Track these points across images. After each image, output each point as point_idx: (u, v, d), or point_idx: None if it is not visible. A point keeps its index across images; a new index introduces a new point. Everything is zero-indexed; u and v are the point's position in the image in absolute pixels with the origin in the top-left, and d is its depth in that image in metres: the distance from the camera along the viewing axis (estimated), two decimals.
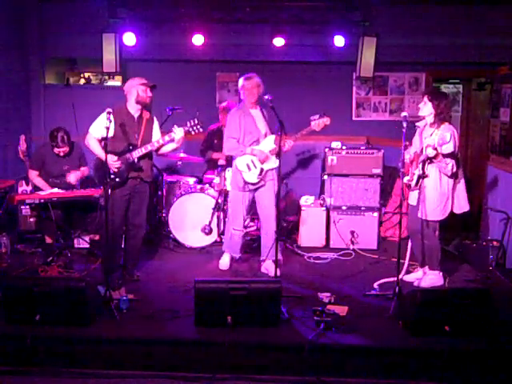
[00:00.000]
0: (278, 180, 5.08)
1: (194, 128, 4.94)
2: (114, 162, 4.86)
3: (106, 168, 4.79)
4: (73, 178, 5.93)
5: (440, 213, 4.99)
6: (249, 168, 5.39)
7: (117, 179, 4.95)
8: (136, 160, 4.95)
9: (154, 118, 5.21)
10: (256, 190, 5.46)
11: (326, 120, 5.45)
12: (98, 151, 4.96)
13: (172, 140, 4.95)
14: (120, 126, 4.92)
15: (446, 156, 4.78)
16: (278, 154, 5.13)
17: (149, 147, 4.96)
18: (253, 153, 5.36)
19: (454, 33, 7.17)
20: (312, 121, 5.45)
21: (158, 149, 5.12)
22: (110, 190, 4.86)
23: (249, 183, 5.40)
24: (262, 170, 5.38)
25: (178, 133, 4.90)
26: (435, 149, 4.67)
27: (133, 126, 5.00)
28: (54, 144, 5.89)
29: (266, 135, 5.44)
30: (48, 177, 5.99)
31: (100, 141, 4.93)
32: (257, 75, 5.40)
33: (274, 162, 5.36)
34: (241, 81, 5.40)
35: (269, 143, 5.39)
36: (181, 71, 7.74)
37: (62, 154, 5.92)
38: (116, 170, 4.92)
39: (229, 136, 5.44)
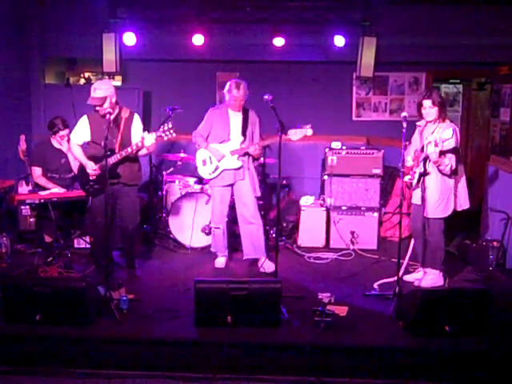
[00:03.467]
0: (254, 181, 5.51)
1: (167, 133, 4.75)
2: (92, 171, 4.91)
3: (86, 174, 4.93)
4: (65, 146, 5.90)
5: (442, 210, 4.98)
6: (204, 163, 5.56)
7: (95, 186, 4.98)
8: (111, 166, 4.84)
9: (135, 116, 5.04)
10: (231, 187, 5.53)
11: (306, 131, 5.20)
12: (80, 157, 5.04)
13: (142, 146, 4.81)
14: (96, 131, 4.87)
15: (447, 152, 4.78)
16: (255, 159, 5.52)
17: (123, 153, 4.85)
18: (208, 149, 5.48)
19: (454, 33, 7.16)
20: (291, 129, 5.21)
21: (137, 151, 4.95)
22: (90, 197, 5.09)
23: (202, 177, 5.66)
24: (217, 167, 5.48)
25: (149, 139, 4.74)
26: (436, 145, 4.66)
27: (109, 129, 4.81)
28: (55, 130, 5.91)
29: (242, 136, 5.47)
30: (47, 172, 6.01)
31: (81, 146, 5.06)
32: (245, 83, 5.36)
33: (232, 162, 5.45)
34: (230, 86, 5.33)
35: (232, 144, 5.45)
36: (181, 71, 7.74)
37: (66, 138, 5.85)
38: (94, 177, 4.95)
39: (196, 130, 5.59)
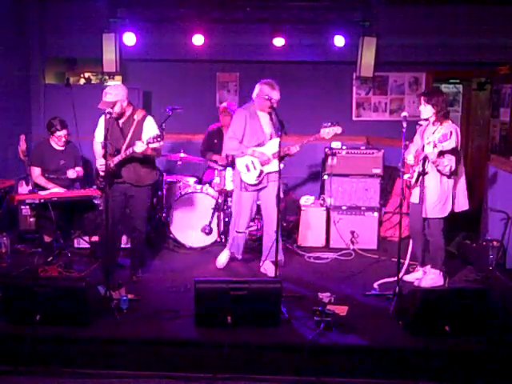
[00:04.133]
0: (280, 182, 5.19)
1: (154, 140, 4.72)
2: (100, 166, 5.01)
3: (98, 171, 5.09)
4: (71, 173, 5.96)
5: (439, 210, 4.98)
6: (248, 169, 5.37)
7: (104, 182, 4.98)
8: (113, 166, 4.91)
9: (147, 119, 5.03)
10: (259, 191, 5.45)
11: (337, 129, 5.32)
12: (96, 154, 5.17)
13: (134, 152, 4.83)
14: (108, 131, 4.88)
15: (447, 152, 4.78)
16: (281, 158, 5.16)
17: (123, 155, 4.90)
18: (254, 154, 5.33)
19: (454, 33, 7.17)
20: (322, 128, 5.39)
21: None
22: (100, 192, 5.24)
23: (248, 184, 5.39)
24: (261, 171, 5.35)
25: (140, 146, 4.77)
26: (435, 146, 4.66)
27: (120, 130, 4.96)
28: (53, 130, 5.89)
29: (271, 138, 5.40)
30: (45, 172, 6.01)
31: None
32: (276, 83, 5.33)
33: (275, 165, 5.29)
34: (265, 88, 5.25)
35: (273, 146, 5.31)
36: (181, 71, 7.75)
37: (63, 139, 5.92)
38: (103, 173, 4.97)
39: (231, 136, 5.38)
